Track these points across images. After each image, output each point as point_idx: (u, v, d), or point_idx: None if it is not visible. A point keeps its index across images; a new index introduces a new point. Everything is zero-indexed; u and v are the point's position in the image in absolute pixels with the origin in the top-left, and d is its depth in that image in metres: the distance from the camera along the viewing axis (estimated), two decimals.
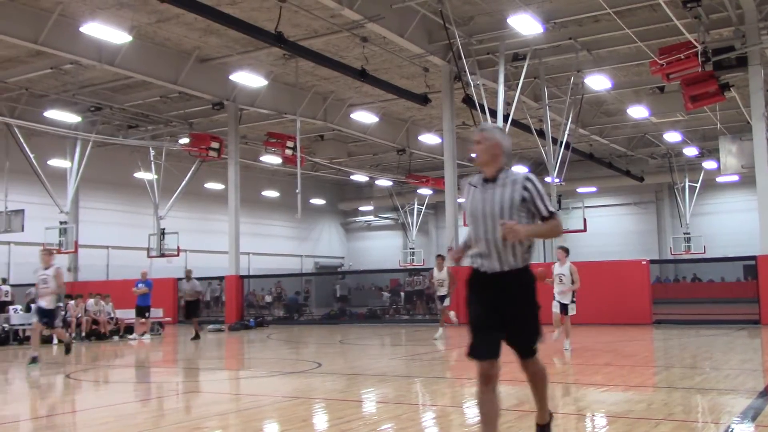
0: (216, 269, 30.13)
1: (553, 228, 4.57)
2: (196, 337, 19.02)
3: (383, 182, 40.16)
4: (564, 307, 12.59)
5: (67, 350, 14.53)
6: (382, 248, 48.66)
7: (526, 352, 4.65)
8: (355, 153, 35.70)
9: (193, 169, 29.58)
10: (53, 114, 24.46)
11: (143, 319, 19.67)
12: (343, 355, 14.12)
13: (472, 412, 6.75)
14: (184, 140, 27.62)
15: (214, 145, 26.39)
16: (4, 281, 25.71)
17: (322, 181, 43.97)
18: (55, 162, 28.72)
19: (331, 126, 28.57)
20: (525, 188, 4.49)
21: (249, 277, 30.22)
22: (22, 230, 25.76)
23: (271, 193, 42.35)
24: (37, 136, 26.12)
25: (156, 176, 29.79)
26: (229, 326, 23.24)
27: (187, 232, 31.25)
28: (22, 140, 25.51)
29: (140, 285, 19.41)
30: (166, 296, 25.81)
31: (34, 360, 12.60)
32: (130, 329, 20.04)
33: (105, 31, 17.98)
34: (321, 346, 16.13)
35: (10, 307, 20.22)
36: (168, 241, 28.79)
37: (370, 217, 49.88)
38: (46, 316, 13.18)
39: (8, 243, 29.59)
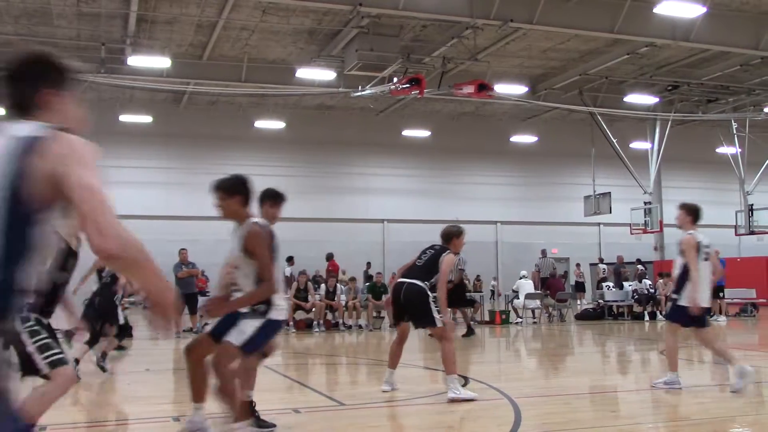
0: None
1: None
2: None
3: None
4: None
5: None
6: None
7: None
8: None
9: None
10: (632, 98, 25.36)
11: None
12: None
13: None
14: None
15: None
16: (602, 261, 27.60)
17: None
18: (636, 144, 29.63)
19: None
20: None
21: None
22: (610, 212, 27.19)
23: None
24: (618, 121, 27.28)
25: (740, 149, 28.36)
26: None
27: None
28: (604, 126, 26.95)
29: None
30: (759, 276, 24.57)
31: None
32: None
33: (679, 8, 17.85)
34: None
35: (604, 284, 21.54)
36: (757, 217, 27.21)
37: None
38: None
39: (598, 224, 31.60)
